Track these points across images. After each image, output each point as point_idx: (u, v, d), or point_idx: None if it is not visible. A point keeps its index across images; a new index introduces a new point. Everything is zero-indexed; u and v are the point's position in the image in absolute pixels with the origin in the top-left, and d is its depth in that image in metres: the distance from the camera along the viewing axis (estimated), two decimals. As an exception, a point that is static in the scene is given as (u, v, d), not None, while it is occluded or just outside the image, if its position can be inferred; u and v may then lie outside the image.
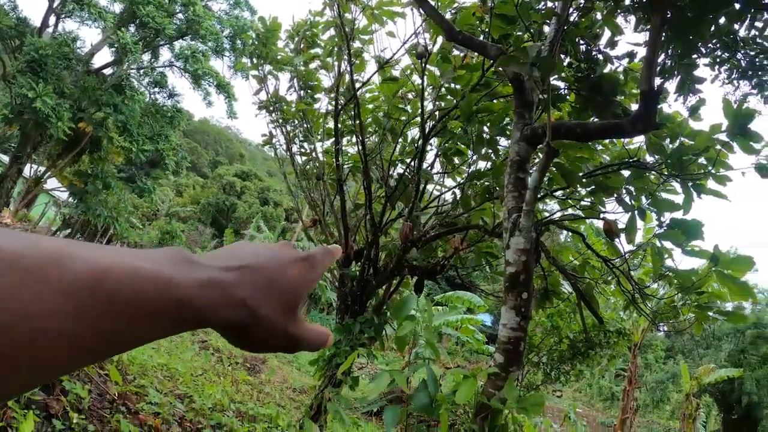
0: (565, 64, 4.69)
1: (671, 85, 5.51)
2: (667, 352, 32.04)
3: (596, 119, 4.69)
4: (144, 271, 0.44)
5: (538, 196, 5.45)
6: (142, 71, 23.06)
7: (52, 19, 21.54)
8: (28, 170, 22.76)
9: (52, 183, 24.95)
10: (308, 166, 7.50)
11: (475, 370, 2.90)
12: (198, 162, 57.19)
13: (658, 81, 5.77)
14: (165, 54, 24.14)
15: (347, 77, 6.27)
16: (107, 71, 22.62)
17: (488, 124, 5.03)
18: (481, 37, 4.92)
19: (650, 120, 3.24)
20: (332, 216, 6.99)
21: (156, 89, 24.04)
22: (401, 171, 6.37)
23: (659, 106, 4.68)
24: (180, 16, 21.39)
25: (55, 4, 21.43)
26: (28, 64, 18.32)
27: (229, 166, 53.97)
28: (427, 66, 5.49)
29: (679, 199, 4.84)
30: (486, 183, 5.57)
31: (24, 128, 19.87)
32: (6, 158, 23.63)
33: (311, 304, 35.27)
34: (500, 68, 3.87)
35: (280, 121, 7.62)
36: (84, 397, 5.49)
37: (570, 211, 5.96)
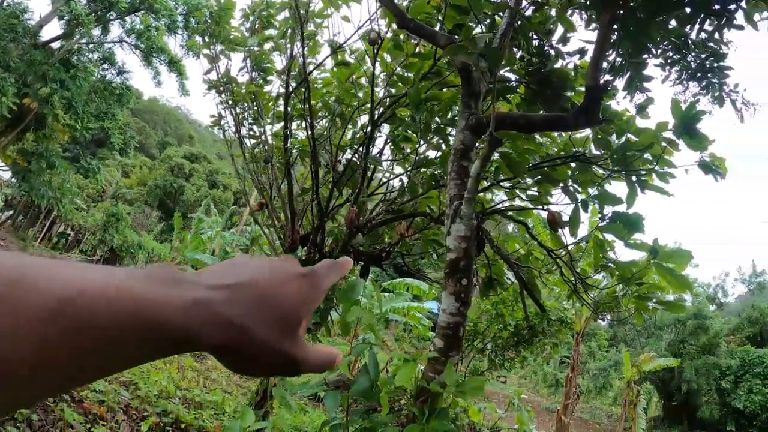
0: (517, 57, 4.75)
1: (621, 83, 5.68)
2: (610, 341, 33.17)
3: (544, 112, 4.79)
4: (119, 293, 0.41)
5: (485, 185, 5.55)
6: (91, 46, 22.28)
7: None
8: None
9: (-7, 162, 23.92)
10: (257, 149, 7.40)
11: (416, 354, 2.94)
12: (146, 142, 55.69)
13: (607, 78, 5.93)
14: (115, 30, 23.39)
15: (300, 60, 6.20)
16: (55, 45, 21.78)
17: (438, 113, 5.05)
18: (438, 27, 4.94)
19: (594, 114, 3.31)
20: (279, 200, 6.93)
21: (105, 65, 23.29)
22: (349, 157, 6.35)
23: (607, 103, 4.82)
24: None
25: None
26: None
27: (178, 148, 52.67)
28: (380, 53, 5.48)
29: (623, 193, 4.99)
30: (434, 171, 5.61)
31: (-36, 104, 18.97)
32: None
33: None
34: (449, 57, 3.89)
35: (230, 102, 7.49)
36: None
37: (517, 201, 6.07)
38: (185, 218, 41.61)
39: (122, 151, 24.04)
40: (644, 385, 23.80)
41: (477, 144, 3.52)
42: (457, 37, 4.10)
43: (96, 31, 21.32)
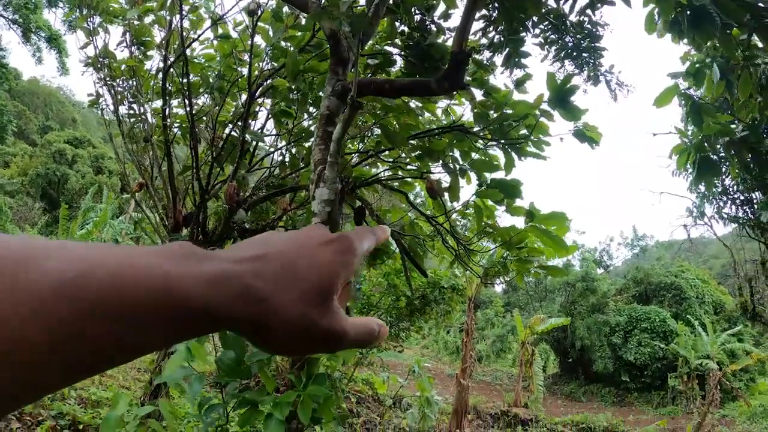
0: (399, 31, 4.83)
1: (500, 60, 5.91)
2: (505, 307, 34.83)
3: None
4: (137, 270, 0.39)
5: (365, 158, 5.64)
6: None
7: None
8: None
9: None
10: (136, 128, 7.11)
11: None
12: (26, 128, 51.55)
13: (487, 54, 6.15)
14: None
15: (178, 33, 5.99)
16: None
17: (317, 84, 5.06)
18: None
19: (457, 79, 3.45)
20: (161, 180, 6.71)
21: (-25, 44, 21.40)
22: (230, 132, 6.25)
23: (486, 78, 5.01)
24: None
25: None
26: None
27: (60, 132, 48.92)
28: (261, 24, 5.39)
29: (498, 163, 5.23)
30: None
31: None
32: None
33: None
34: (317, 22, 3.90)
35: (108, 79, 7.12)
36: None
37: (401, 174, 6.20)
38: (71, 208, 39.20)
39: (0, 136, 22.28)
40: (540, 345, 25.29)
41: (342, 110, 3.58)
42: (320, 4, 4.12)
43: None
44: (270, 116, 6.21)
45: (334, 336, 0.49)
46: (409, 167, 5.95)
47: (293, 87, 4.84)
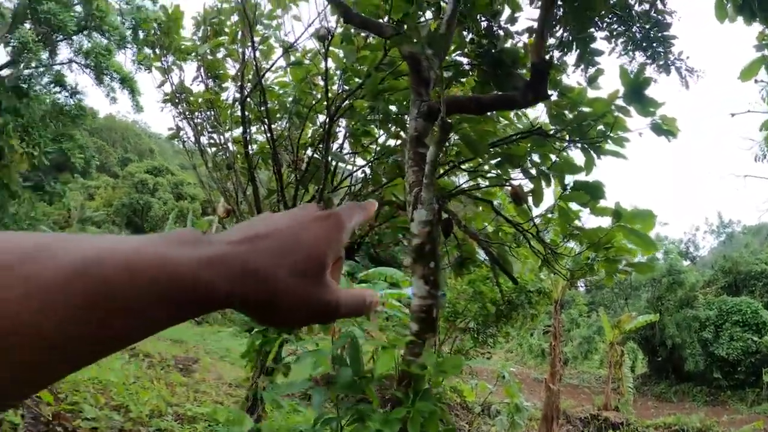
0: (467, 40, 4.83)
1: (570, 58, 5.81)
2: (589, 306, 33.78)
3: (498, 91, 4.89)
4: (139, 255, 0.41)
5: (447, 169, 5.65)
6: (41, 70, 21.78)
7: None
8: None
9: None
10: (218, 157, 7.39)
11: (392, 340, 3.02)
12: (107, 161, 54.59)
13: (554, 53, 6.06)
14: (64, 51, 22.81)
15: (253, 64, 6.20)
16: (3, 73, 21.27)
17: (396, 102, 5.11)
18: (386, 18, 4.99)
19: (541, 90, 3.42)
20: (246, 205, 6.94)
21: (57, 88, 22.80)
22: (311, 154, 6.39)
23: (559, 78, 4.94)
24: (78, 8, 20.27)
25: None
26: None
27: (139, 163, 51.66)
28: (332, 48, 5.51)
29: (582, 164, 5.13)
30: (396, 159, 5.67)
31: None
32: None
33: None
34: (396, 47, 3.95)
35: (187, 113, 7.45)
36: (18, 423, 5.34)
37: (480, 182, 6.17)
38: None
39: (84, 173, 23.61)
40: (628, 344, 24.35)
41: (430, 130, 3.61)
42: (404, 26, 4.17)
43: (44, 55, 20.83)
44: (347, 136, 6.31)
45: (329, 307, 0.52)
46: (489, 175, 5.92)
47: (372, 107, 4.90)
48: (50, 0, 18.78)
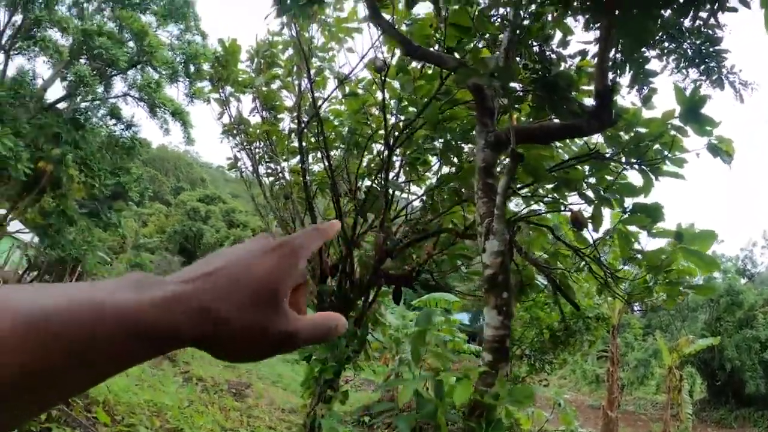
0: (520, 66, 4.85)
1: (624, 79, 5.75)
2: (645, 330, 32.74)
3: (554, 117, 4.88)
4: (91, 305, 0.42)
5: (506, 196, 5.64)
6: (96, 103, 22.70)
7: (1, 56, 21.09)
8: None
9: (14, 226, 24.31)
10: (275, 186, 7.55)
11: (466, 370, 3.02)
12: (160, 190, 56.37)
13: (613, 79, 6.02)
14: (119, 84, 23.74)
15: (309, 95, 6.35)
16: (60, 105, 22.24)
17: (457, 131, 5.15)
18: (436, 46, 5.06)
19: (606, 117, 3.41)
20: (304, 234, 7.03)
21: (113, 121, 23.71)
22: (369, 183, 6.47)
23: (614, 99, 4.90)
24: (131, 44, 21.12)
25: (3, 41, 20.99)
26: None
27: (191, 192, 53.31)
28: (387, 79, 5.60)
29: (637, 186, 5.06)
30: (455, 186, 5.70)
31: (-20, 172, 19.38)
32: (-36, 203, 22.94)
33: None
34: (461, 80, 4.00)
35: (245, 143, 7.65)
36: None
37: (534, 206, 6.14)
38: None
39: (139, 202, 24.35)
40: (686, 368, 23.44)
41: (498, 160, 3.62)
42: (459, 56, 4.22)
43: (99, 88, 21.69)
44: (403, 165, 6.37)
45: (286, 337, 0.52)
46: (545, 199, 5.90)
47: (431, 136, 4.95)
48: (103, 36, 19.56)
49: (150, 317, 0.44)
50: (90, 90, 19.81)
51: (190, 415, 9.05)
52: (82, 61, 21.05)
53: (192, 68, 21.96)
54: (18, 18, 20.76)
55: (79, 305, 0.42)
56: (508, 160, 3.12)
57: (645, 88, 5.62)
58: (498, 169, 4.07)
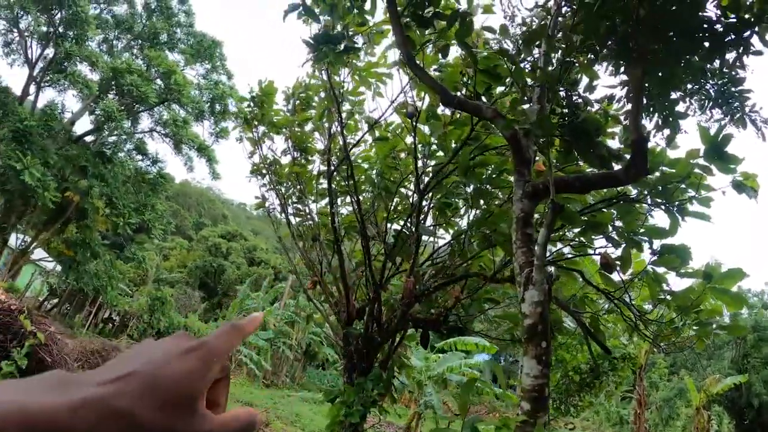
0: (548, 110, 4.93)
1: (648, 122, 5.80)
2: (670, 369, 32.03)
3: (581, 161, 4.94)
4: (3, 411, 0.43)
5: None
6: (123, 138, 23.18)
7: (32, 88, 21.71)
8: (13, 240, 22.47)
9: (37, 253, 24.69)
10: (302, 227, 7.64)
11: (505, 420, 3.02)
12: (182, 224, 57.08)
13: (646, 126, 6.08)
14: (145, 120, 24.30)
15: (339, 138, 6.46)
16: (87, 138, 22.76)
17: (488, 179, 5.21)
18: (463, 90, 5.17)
19: (643, 166, 3.46)
20: (330, 275, 7.10)
21: (139, 156, 24.17)
22: (397, 228, 6.52)
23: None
24: (159, 82, 21.63)
25: (35, 73, 21.63)
26: (11, 134, 18.25)
27: (213, 228, 53.87)
28: (417, 124, 5.70)
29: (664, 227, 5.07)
30: (483, 231, 5.74)
31: (8, 199, 19.77)
32: (-10, 229, 23.38)
33: (307, 360, 34.85)
34: (496, 127, 4.08)
35: (274, 183, 7.77)
36: None
37: (559, 247, 6.15)
38: (226, 296, 42.14)
39: (163, 238, 24.61)
40: (713, 408, 22.79)
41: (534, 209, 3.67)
42: (486, 100, 4.31)
43: (126, 123, 22.15)
44: (432, 209, 6.41)
45: None
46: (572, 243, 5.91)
47: (461, 182, 5.02)
48: (132, 73, 20.07)
49: (65, 420, 0.44)
50: (117, 125, 20.26)
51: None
52: (110, 96, 21.58)
53: (218, 107, 22.40)
54: (50, 51, 21.48)
55: (6, 414, 0.43)
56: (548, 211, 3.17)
57: (678, 130, 5.65)
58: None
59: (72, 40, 20.48)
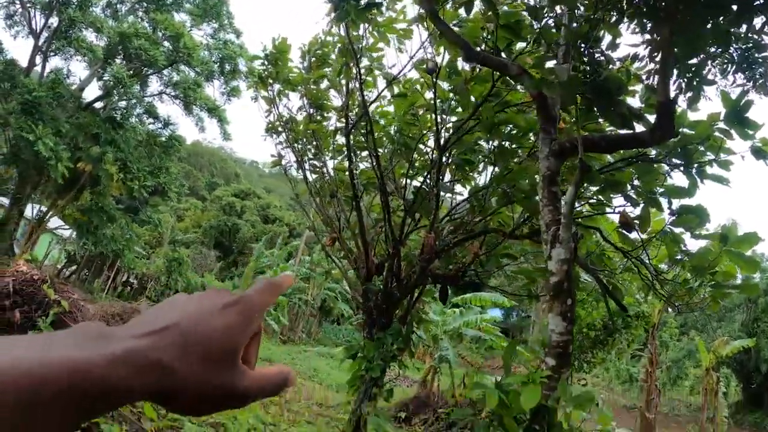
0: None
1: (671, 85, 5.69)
2: (680, 329, 32.17)
3: (602, 119, 4.90)
4: (43, 365, 0.43)
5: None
6: (133, 102, 23.10)
7: (38, 59, 21.61)
8: (29, 210, 22.74)
9: (53, 222, 24.97)
10: (319, 184, 7.66)
11: (532, 375, 3.07)
12: (195, 185, 57.32)
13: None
14: (154, 83, 24.15)
15: (357, 95, 6.41)
16: (97, 104, 22.71)
17: (515, 138, 5.18)
18: (483, 45, 5.09)
19: (669, 129, 3.44)
20: (349, 231, 7.14)
21: (150, 120, 24.13)
22: (416, 184, 6.53)
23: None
24: (167, 44, 21.42)
25: (40, 43, 21.50)
26: (21, 106, 18.29)
27: (226, 187, 54.11)
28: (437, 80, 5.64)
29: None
30: (502, 187, 5.73)
31: (23, 170, 19.91)
32: (5, 200, 23.63)
33: (323, 316, 35.39)
34: (521, 84, 4.03)
35: (290, 141, 7.76)
36: None
37: (579, 207, 6.15)
38: (242, 254, 42.61)
39: (177, 199, 24.75)
40: (721, 370, 22.94)
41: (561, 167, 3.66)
42: (512, 57, 4.24)
43: (136, 88, 22.06)
44: (450, 165, 6.40)
45: (238, 393, 0.52)
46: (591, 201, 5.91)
47: (481, 138, 4.99)
48: (140, 37, 19.89)
49: (102, 373, 0.45)
50: (127, 90, 20.16)
51: (231, 411, 9.24)
52: (118, 61, 21.43)
53: (228, 67, 22.20)
54: (54, 20, 21.29)
55: (29, 362, 0.43)
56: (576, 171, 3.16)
57: (701, 93, 5.54)
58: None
59: (75, 6, 20.27)
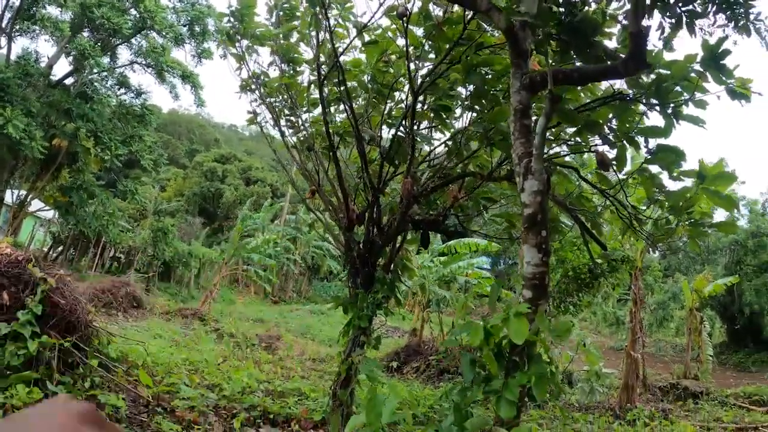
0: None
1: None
2: (664, 272, 32.74)
3: (578, 61, 4.86)
4: None
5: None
6: (104, 74, 22.58)
7: (3, 40, 20.97)
8: (8, 196, 22.37)
9: (35, 205, 24.64)
10: (296, 138, 7.58)
11: (515, 308, 3.10)
12: (174, 154, 56.67)
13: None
14: (124, 54, 23.58)
15: (328, 45, 6.30)
16: (68, 81, 22.19)
17: (493, 79, 5.12)
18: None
19: (641, 60, 3.41)
20: (329, 183, 7.11)
21: (122, 90, 23.67)
22: (392, 131, 6.48)
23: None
24: (133, 12, 20.84)
25: (4, 24, 20.83)
26: None
27: (206, 153, 53.61)
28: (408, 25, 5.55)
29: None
30: (479, 130, 5.71)
31: (-3, 155, 19.53)
32: (-17, 188, 23.19)
33: (312, 274, 35.59)
34: (491, 20, 3.97)
35: (264, 97, 7.65)
36: (120, 406, 5.65)
37: (556, 148, 6.16)
38: (227, 218, 42.54)
39: (154, 169, 24.41)
40: (705, 311, 23.39)
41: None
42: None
43: (105, 59, 21.47)
44: (425, 110, 6.34)
45: None
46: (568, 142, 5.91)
47: (455, 82, 4.93)
48: (103, 5, 19.33)
49: None
50: (95, 62, 19.63)
51: (226, 370, 9.36)
52: (85, 34, 20.87)
53: (197, 29, 21.68)
54: (15, 0, 20.63)
55: None
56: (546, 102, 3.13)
57: (695, 31, 5.42)
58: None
59: (36, -18, 19.60)
